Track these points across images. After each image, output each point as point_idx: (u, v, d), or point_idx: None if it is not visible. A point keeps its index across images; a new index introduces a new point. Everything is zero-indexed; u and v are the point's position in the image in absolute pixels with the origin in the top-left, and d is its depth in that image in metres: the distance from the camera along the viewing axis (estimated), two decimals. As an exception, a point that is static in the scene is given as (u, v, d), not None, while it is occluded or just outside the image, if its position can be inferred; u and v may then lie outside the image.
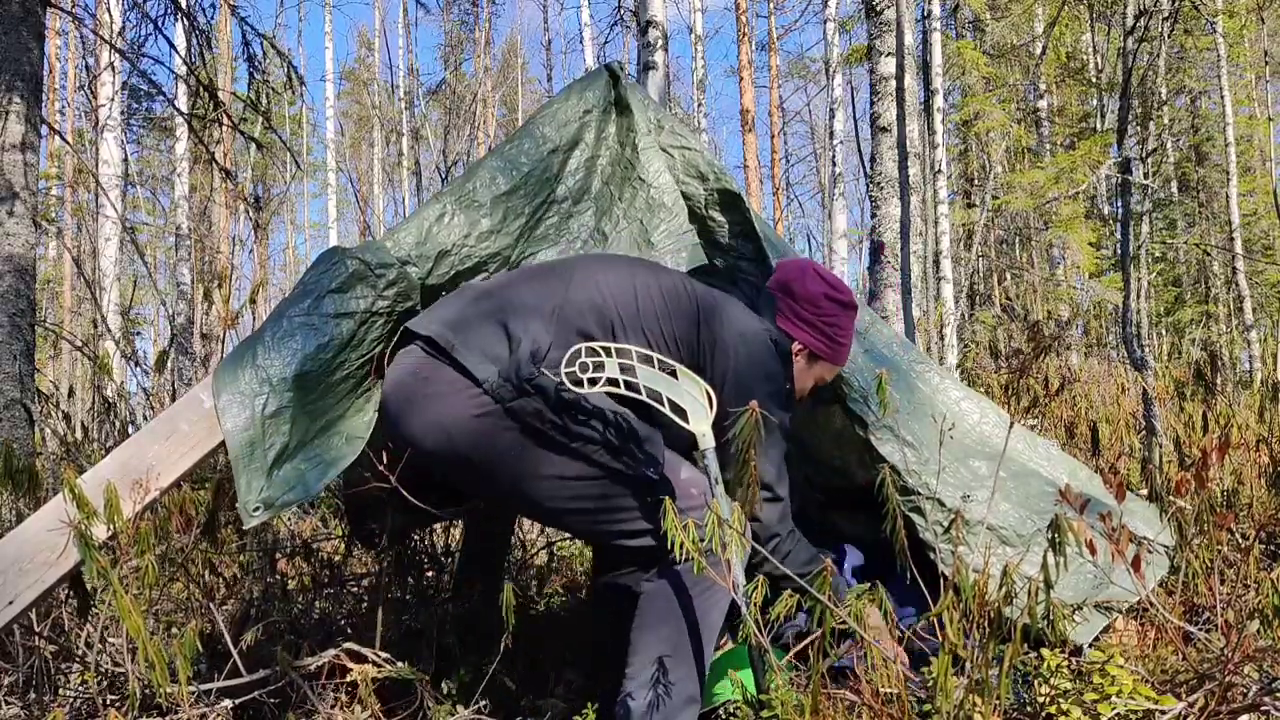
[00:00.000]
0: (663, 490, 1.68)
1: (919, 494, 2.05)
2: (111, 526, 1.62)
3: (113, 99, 9.67)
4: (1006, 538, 2.06)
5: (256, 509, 1.64)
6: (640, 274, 1.84)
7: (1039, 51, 13.82)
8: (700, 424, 1.64)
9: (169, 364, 3.62)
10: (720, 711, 1.90)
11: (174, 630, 2.26)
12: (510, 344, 1.71)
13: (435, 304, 1.89)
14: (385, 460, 1.79)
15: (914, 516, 2.04)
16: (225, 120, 4.58)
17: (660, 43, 5.26)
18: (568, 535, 3.14)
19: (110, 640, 2.04)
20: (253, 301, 2.53)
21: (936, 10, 9.62)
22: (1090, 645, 1.93)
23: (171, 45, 4.92)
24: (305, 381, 1.73)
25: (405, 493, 1.82)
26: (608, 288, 1.79)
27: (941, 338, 8.03)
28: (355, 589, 2.73)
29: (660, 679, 1.68)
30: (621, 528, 1.74)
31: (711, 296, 1.86)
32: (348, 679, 1.91)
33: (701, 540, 1.49)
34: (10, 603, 1.60)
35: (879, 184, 4.96)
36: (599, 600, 2.05)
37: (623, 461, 1.70)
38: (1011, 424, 1.95)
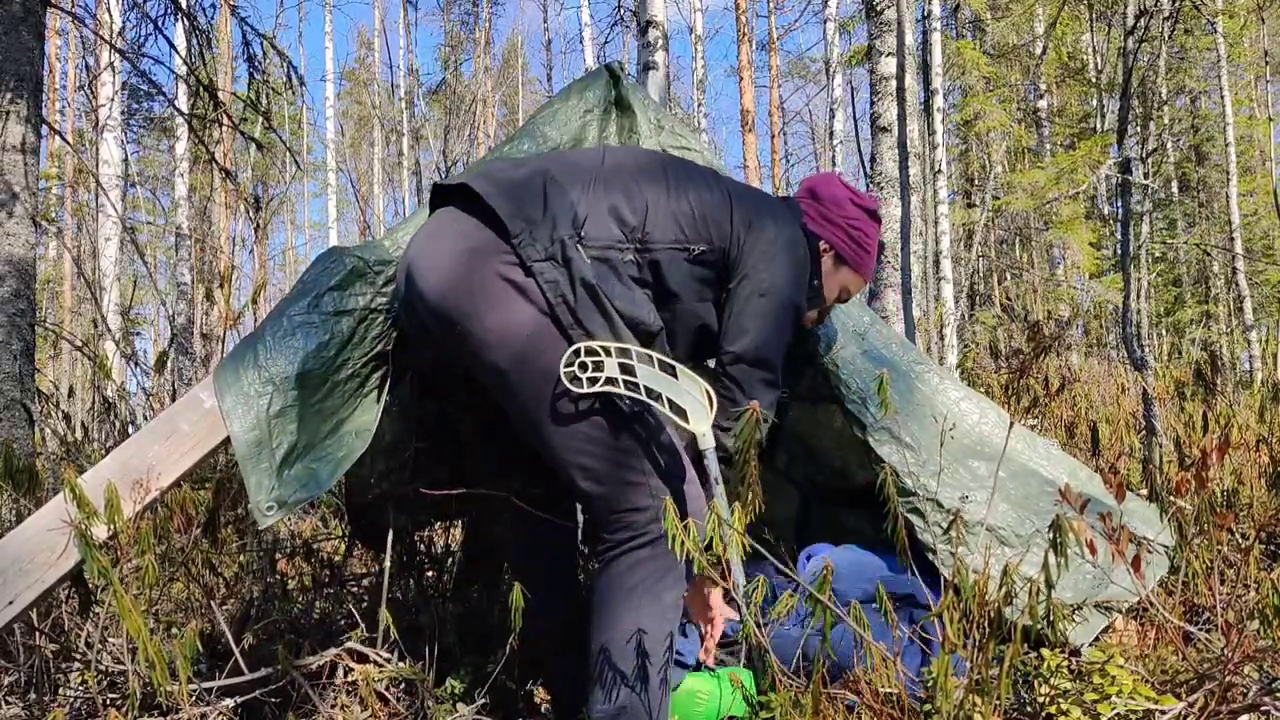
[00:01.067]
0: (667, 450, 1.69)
1: (917, 495, 2.05)
2: (112, 527, 1.62)
3: (113, 99, 9.67)
4: (1005, 538, 2.06)
5: (270, 508, 1.64)
6: (670, 163, 1.86)
7: (1039, 52, 13.82)
8: (700, 424, 1.64)
9: (169, 364, 3.62)
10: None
11: (174, 630, 2.26)
12: (545, 206, 1.69)
13: (464, 171, 1.87)
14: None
15: (913, 518, 2.04)
16: (225, 120, 4.58)
17: (660, 43, 5.26)
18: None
19: (111, 640, 2.04)
20: (254, 302, 2.53)
21: (937, 10, 9.62)
22: (1090, 645, 1.93)
23: (171, 45, 4.92)
24: (309, 380, 1.73)
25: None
26: (639, 171, 1.79)
27: (941, 338, 8.03)
28: (355, 589, 2.73)
29: (623, 677, 1.64)
30: (613, 465, 1.67)
31: (744, 187, 1.89)
32: (349, 678, 1.91)
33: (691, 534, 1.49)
34: (10, 602, 1.60)
35: (879, 184, 4.96)
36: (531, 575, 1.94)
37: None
38: (1011, 424, 1.95)
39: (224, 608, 2.24)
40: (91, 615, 1.97)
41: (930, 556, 2.03)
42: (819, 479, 2.55)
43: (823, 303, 1.99)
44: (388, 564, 2.07)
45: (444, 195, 1.80)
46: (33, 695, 1.98)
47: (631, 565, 1.66)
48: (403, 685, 2.03)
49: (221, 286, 2.69)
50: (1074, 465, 2.33)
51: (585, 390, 1.61)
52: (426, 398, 2.05)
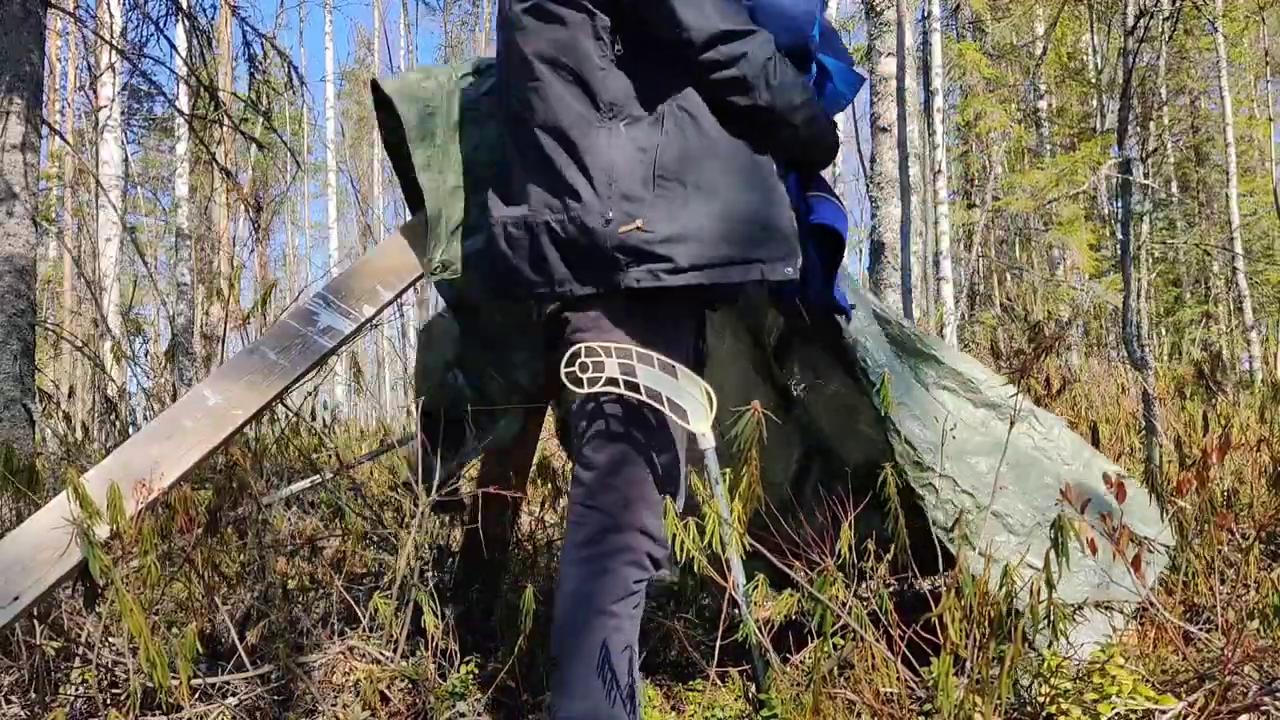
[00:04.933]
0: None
1: (933, 470, 2.02)
2: (114, 526, 1.62)
3: (113, 99, 9.67)
4: (1010, 525, 2.04)
5: (438, 269, 1.88)
6: None
7: (1039, 52, 13.82)
8: (700, 424, 1.64)
9: (171, 361, 3.62)
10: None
11: (175, 629, 2.26)
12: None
13: None
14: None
15: (925, 493, 2.01)
16: (226, 120, 4.58)
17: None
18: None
19: (112, 639, 2.04)
20: (263, 303, 2.53)
21: (937, 10, 9.62)
22: (1091, 645, 1.93)
23: (172, 46, 4.92)
24: (473, 169, 1.95)
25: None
26: None
27: (941, 338, 8.03)
28: (357, 589, 2.73)
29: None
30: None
31: None
32: (350, 677, 1.91)
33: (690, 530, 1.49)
34: (15, 599, 1.59)
35: (879, 184, 4.96)
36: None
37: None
38: (1012, 425, 1.95)
39: (225, 606, 2.24)
40: (93, 613, 1.97)
41: (937, 531, 2.00)
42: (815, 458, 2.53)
43: None
44: (401, 562, 2.07)
45: None
46: (33, 694, 1.98)
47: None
48: (405, 684, 2.03)
49: (231, 287, 2.69)
50: (1078, 444, 2.28)
51: (585, 390, 1.61)
52: None
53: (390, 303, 1.96)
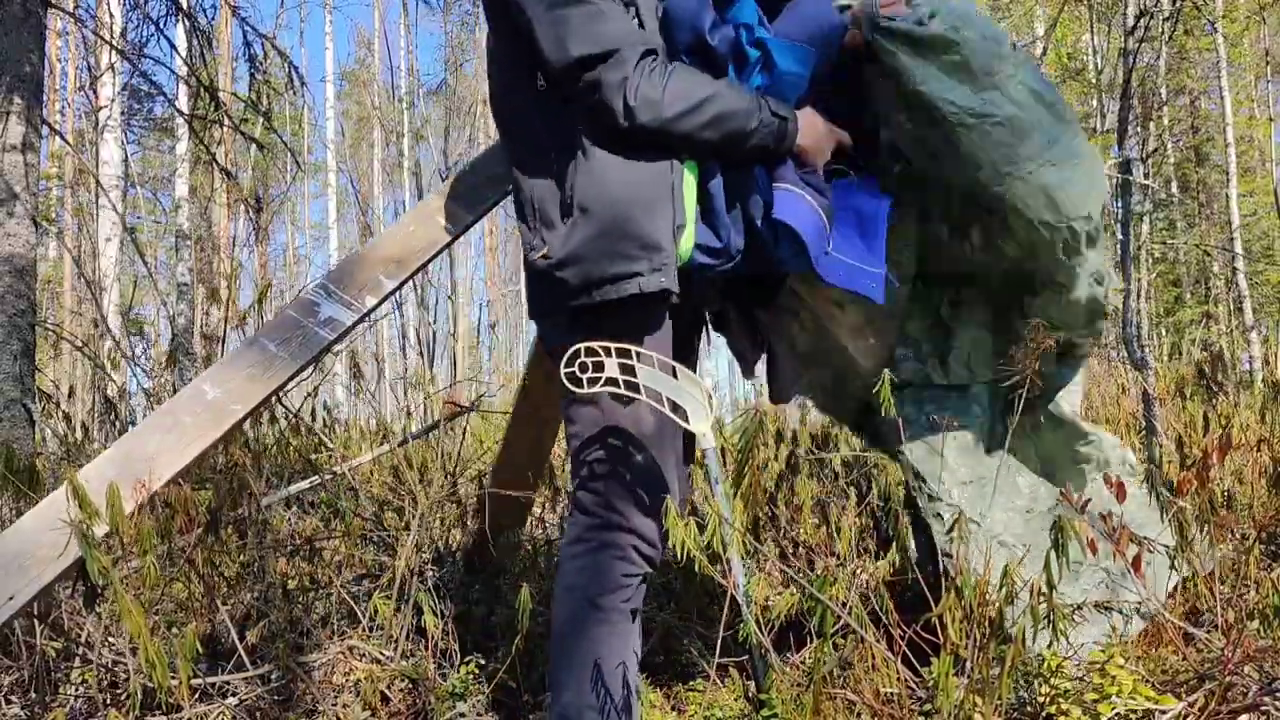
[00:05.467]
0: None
1: (941, 500, 2.01)
2: (113, 525, 1.62)
3: (113, 100, 9.67)
4: (1005, 541, 2.04)
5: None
6: None
7: (1039, 52, 13.81)
8: (700, 424, 1.64)
9: (173, 358, 3.62)
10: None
11: (175, 629, 2.26)
12: None
13: None
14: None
15: (934, 523, 2.01)
16: (226, 121, 4.58)
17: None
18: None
19: (111, 639, 2.04)
20: (259, 302, 2.54)
21: (937, 11, 9.59)
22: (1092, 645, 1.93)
23: (172, 46, 4.92)
24: None
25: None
26: None
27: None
28: (356, 589, 2.73)
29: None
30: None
31: None
32: (350, 677, 1.92)
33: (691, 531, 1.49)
34: (10, 598, 1.58)
35: (879, 184, 4.93)
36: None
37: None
38: (1013, 426, 1.94)
39: (225, 607, 2.24)
40: (93, 614, 1.97)
41: (943, 560, 2.00)
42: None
43: None
44: (401, 562, 2.07)
45: None
46: (33, 694, 1.98)
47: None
48: (405, 684, 2.04)
49: (229, 287, 2.69)
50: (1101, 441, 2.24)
51: (585, 390, 1.61)
52: None
53: (393, 292, 1.93)
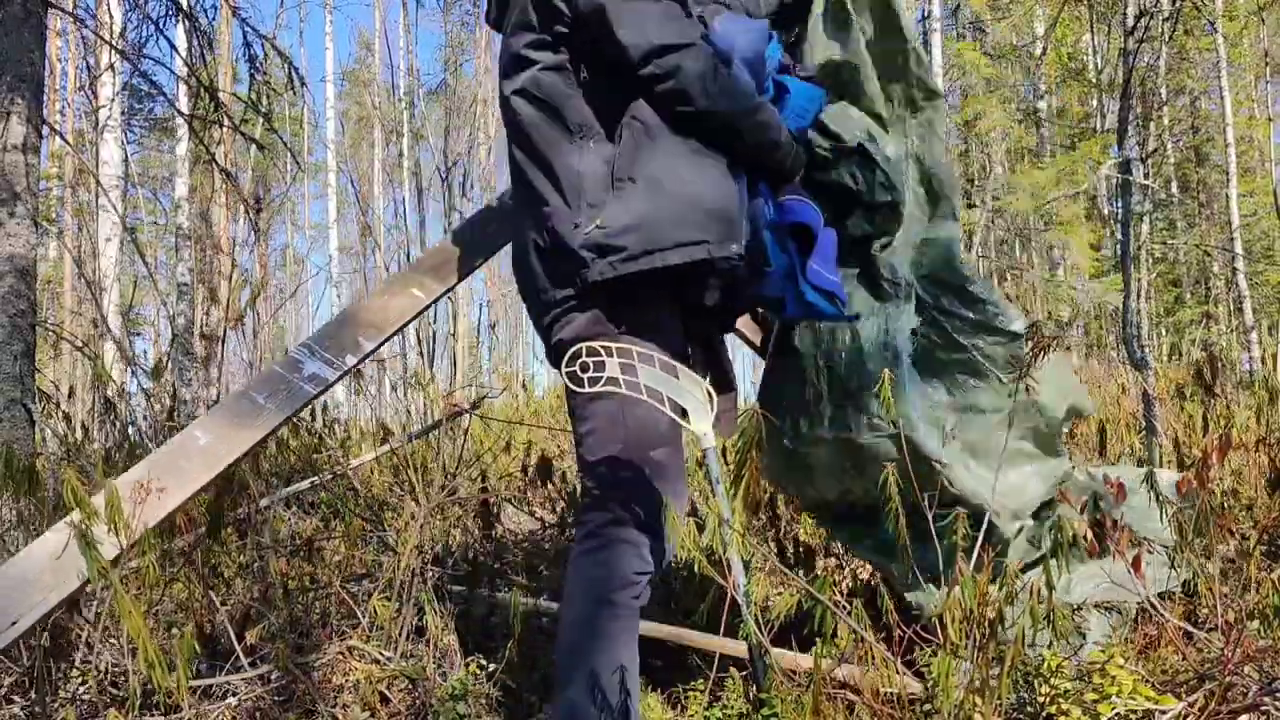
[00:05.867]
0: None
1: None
2: (113, 526, 1.63)
3: (113, 100, 9.67)
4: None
5: None
6: None
7: (1039, 52, 13.82)
8: (701, 424, 1.64)
9: (168, 364, 3.62)
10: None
11: (174, 630, 2.26)
12: None
13: None
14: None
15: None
16: (226, 121, 4.58)
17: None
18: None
19: (111, 640, 2.04)
20: (254, 303, 2.54)
21: (937, 11, 9.63)
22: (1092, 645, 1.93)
23: (173, 46, 4.92)
24: None
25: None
26: None
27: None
28: (356, 589, 2.73)
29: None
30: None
31: None
32: (350, 677, 1.92)
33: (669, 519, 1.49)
34: (14, 623, 1.65)
35: (879, 184, 4.93)
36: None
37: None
38: (1012, 425, 1.94)
39: (225, 607, 2.25)
40: (93, 615, 1.97)
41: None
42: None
43: None
44: (401, 562, 2.08)
45: None
46: (33, 694, 1.98)
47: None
48: (405, 684, 2.04)
49: (231, 290, 2.69)
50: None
51: (586, 390, 1.61)
52: None
53: (371, 353, 2.09)
